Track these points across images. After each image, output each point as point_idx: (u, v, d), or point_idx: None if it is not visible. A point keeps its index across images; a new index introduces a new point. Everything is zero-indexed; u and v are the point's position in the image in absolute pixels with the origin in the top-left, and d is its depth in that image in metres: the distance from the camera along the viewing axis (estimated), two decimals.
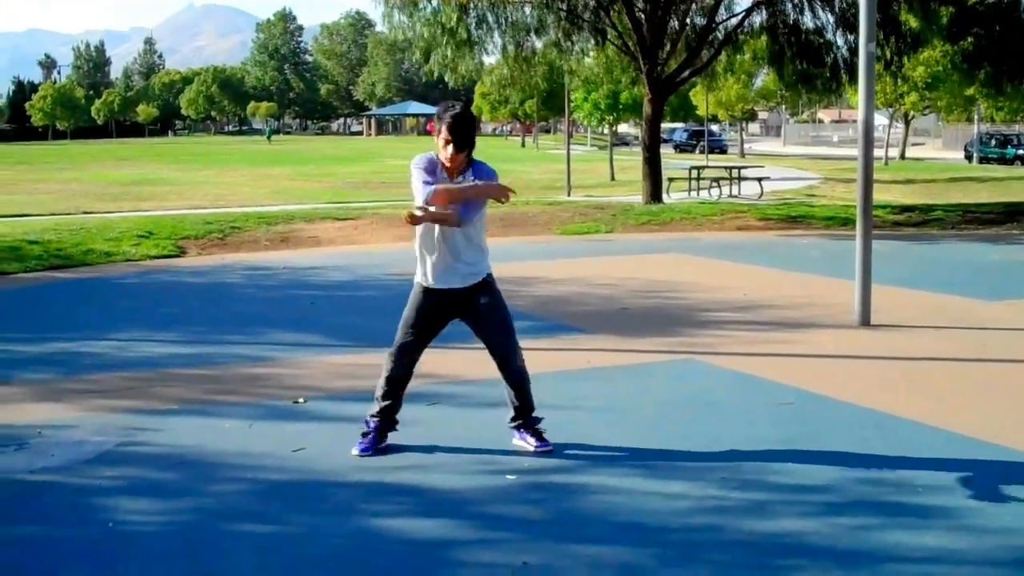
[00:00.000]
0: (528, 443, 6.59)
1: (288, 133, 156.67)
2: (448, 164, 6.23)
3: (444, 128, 6.16)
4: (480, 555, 5.05)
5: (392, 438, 6.77)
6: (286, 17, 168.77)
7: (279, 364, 9.18)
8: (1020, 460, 6.34)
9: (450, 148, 6.16)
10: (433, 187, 6.16)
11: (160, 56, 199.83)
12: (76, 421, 7.31)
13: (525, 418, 6.64)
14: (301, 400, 7.85)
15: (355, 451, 6.50)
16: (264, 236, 19.05)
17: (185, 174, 44.99)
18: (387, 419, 6.61)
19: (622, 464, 6.31)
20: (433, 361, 9.07)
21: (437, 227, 6.29)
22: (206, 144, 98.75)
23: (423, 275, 6.46)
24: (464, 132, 6.18)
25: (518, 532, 5.29)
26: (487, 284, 6.48)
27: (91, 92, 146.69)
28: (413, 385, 8.19)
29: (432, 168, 6.26)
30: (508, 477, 6.07)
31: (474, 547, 5.14)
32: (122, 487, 5.97)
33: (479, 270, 6.45)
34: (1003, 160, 61.47)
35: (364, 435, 6.57)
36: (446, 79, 25.55)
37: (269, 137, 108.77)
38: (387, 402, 6.57)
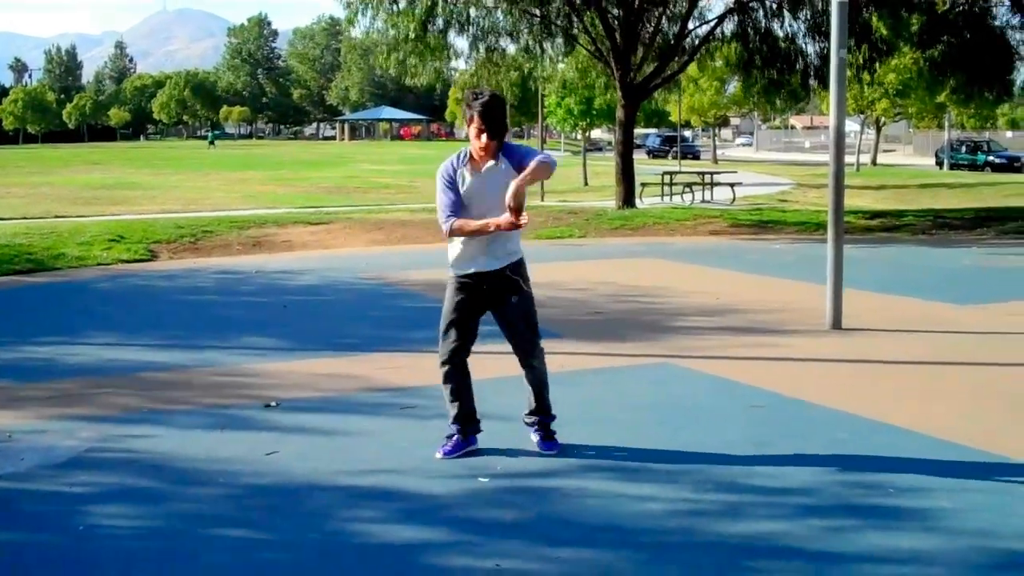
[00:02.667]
0: (538, 444, 6.63)
1: (261, 138, 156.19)
2: (482, 153, 6.20)
3: (476, 116, 6.14)
4: (454, 559, 5.05)
5: (366, 442, 6.76)
6: (261, 22, 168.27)
7: (251, 368, 9.14)
8: (992, 462, 6.38)
9: (484, 137, 6.16)
10: (450, 222, 6.22)
11: (132, 60, 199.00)
12: (46, 426, 7.26)
13: (541, 416, 6.66)
14: (273, 404, 7.82)
15: (439, 454, 6.49)
16: (236, 240, 18.98)
17: (157, 178, 44.77)
18: (466, 420, 6.59)
19: (596, 467, 6.31)
20: (407, 364, 9.10)
21: (473, 215, 6.25)
22: (151, 149, 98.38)
23: (459, 266, 6.41)
24: (496, 120, 6.17)
25: (492, 535, 5.29)
26: (520, 275, 6.45)
27: (62, 96, 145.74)
28: (386, 388, 8.19)
29: (454, 181, 6.26)
30: (481, 480, 6.06)
31: (448, 550, 5.13)
32: (94, 492, 5.93)
33: (512, 252, 6.43)
34: (973, 166, 61.88)
35: (449, 437, 6.57)
36: (403, 81, 25.53)
37: (212, 142, 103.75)
38: (457, 408, 6.56)
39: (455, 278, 6.47)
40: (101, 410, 7.72)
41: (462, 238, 6.33)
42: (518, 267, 6.47)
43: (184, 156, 75.48)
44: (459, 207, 6.26)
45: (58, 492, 5.93)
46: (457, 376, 6.52)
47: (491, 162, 6.24)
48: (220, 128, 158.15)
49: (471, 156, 6.29)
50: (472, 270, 6.39)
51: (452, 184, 6.28)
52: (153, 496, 5.85)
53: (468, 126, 6.24)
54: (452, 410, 6.57)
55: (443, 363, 6.51)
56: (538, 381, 6.61)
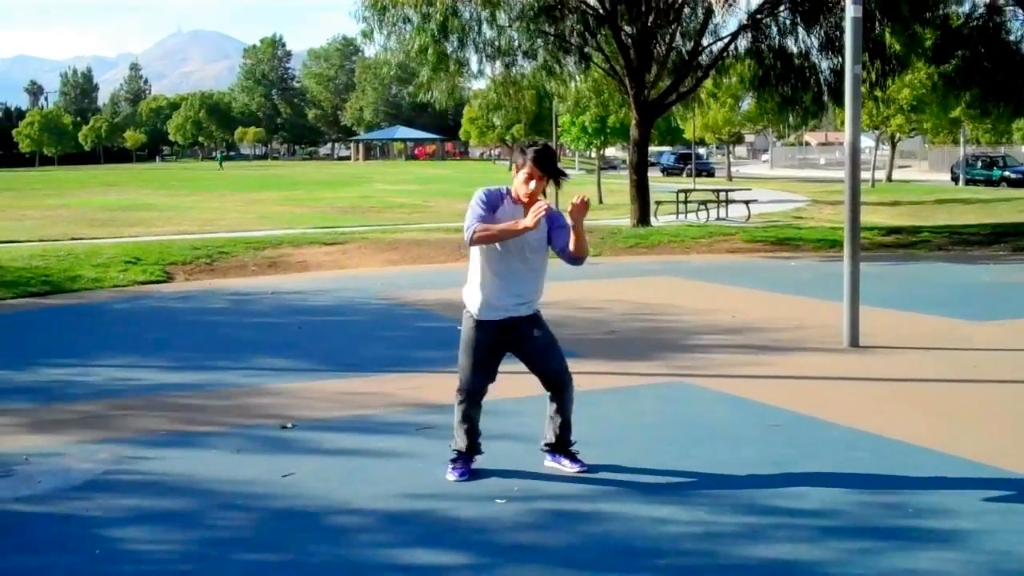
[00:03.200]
0: (564, 465, 6.62)
1: (276, 158, 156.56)
2: (527, 200, 6.18)
3: (529, 163, 6.15)
4: None
5: (382, 464, 6.76)
6: (275, 43, 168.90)
7: (267, 390, 9.13)
8: (1013, 481, 6.33)
9: (533, 184, 6.16)
10: (475, 227, 6.16)
11: (147, 82, 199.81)
12: (63, 448, 7.26)
13: (566, 440, 6.66)
14: (289, 425, 7.81)
15: (453, 476, 6.50)
16: (252, 261, 19.02)
17: (172, 199, 44.95)
18: (473, 446, 6.62)
19: (613, 488, 6.28)
20: (423, 384, 9.09)
21: (502, 258, 6.26)
22: (167, 170, 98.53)
23: (478, 307, 6.39)
24: (550, 166, 6.19)
25: (510, 558, 5.26)
26: (537, 317, 6.51)
27: (78, 118, 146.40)
28: (402, 409, 8.18)
29: (494, 203, 6.25)
30: (498, 502, 6.04)
31: (465, 573, 5.10)
32: (110, 515, 5.92)
33: (533, 305, 6.46)
34: (989, 182, 61.72)
35: (453, 462, 6.58)
36: (427, 101, 25.59)
37: (221, 163, 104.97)
38: (469, 440, 6.58)
39: (472, 317, 6.45)
40: (118, 432, 7.71)
41: (481, 283, 6.33)
42: (535, 316, 6.50)
43: (199, 177, 75.81)
44: (486, 221, 6.20)
45: (75, 515, 5.92)
46: (474, 411, 6.54)
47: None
48: (235, 149, 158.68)
49: (518, 198, 6.26)
50: (490, 317, 6.38)
51: (490, 205, 6.24)
52: (170, 519, 5.83)
53: (517, 171, 6.24)
54: (462, 441, 6.58)
55: (462, 400, 6.53)
56: (569, 407, 6.61)
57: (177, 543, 5.50)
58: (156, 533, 5.63)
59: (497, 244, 6.23)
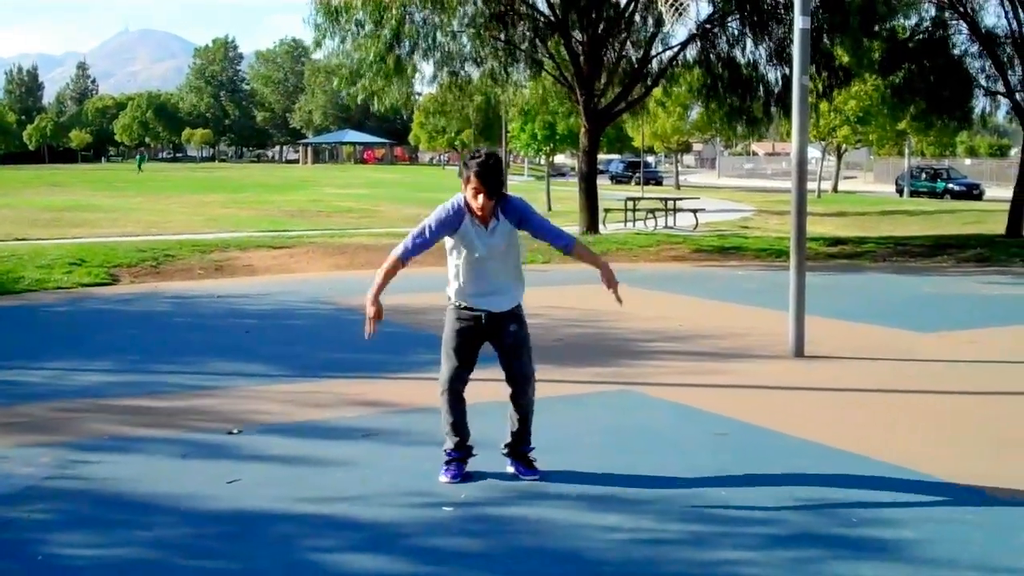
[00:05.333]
0: (519, 472, 6.65)
1: (223, 160, 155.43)
2: (480, 213, 6.26)
3: (473, 177, 6.19)
4: None
5: (328, 469, 6.73)
6: (226, 44, 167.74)
7: (213, 394, 9.07)
8: (954, 490, 6.41)
9: (481, 197, 6.20)
10: (401, 255, 6.39)
11: (94, 81, 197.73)
12: (4, 452, 7.17)
13: (520, 447, 6.68)
14: (235, 431, 7.76)
15: (446, 478, 6.52)
16: (198, 264, 18.89)
17: (118, 201, 44.50)
18: (464, 449, 6.64)
19: (560, 495, 6.29)
20: (369, 390, 9.07)
21: (467, 252, 6.35)
22: (113, 171, 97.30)
23: (459, 296, 6.48)
24: (494, 179, 6.21)
25: (455, 565, 5.26)
26: (517, 313, 6.56)
27: (23, 117, 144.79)
28: (349, 415, 8.16)
29: (453, 223, 6.31)
30: (445, 509, 6.03)
31: None
32: (52, 521, 5.86)
33: (513, 301, 6.52)
34: (933, 194, 62.47)
35: (447, 463, 6.60)
36: (370, 107, 25.52)
37: (140, 166, 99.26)
38: (457, 437, 6.60)
39: (455, 307, 6.51)
40: (61, 436, 7.63)
41: (461, 279, 6.42)
42: (516, 309, 6.57)
43: (146, 179, 75.10)
44: (417, 252, 6.39)
45: (16, 520, 5.85)
46: (459, 406, 6.57)
47: (494, 219, 6.33)
48: (182, 150, 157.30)
49: (471, 211, 6.31)
50: (470, 304, 6.45)
51: (446, 225, 6.34)
52: (113, 524, 5.78)
53: (465, 185, 6.28)
54: (450, 440, 6.60)
55: (444, 391, 6.54)
56: (527, 410, 6.64)
57: (120, 549, 5.45)
58: (99, 539, 5.58)
59: (459, 251, 6.36)
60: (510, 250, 6.46)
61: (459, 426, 6.59)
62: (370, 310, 6.37)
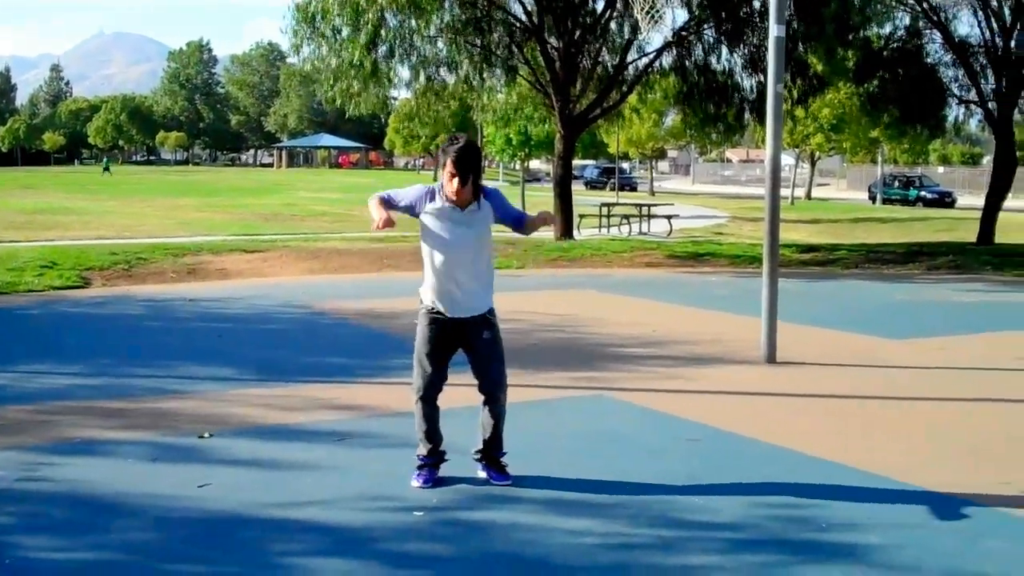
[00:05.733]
0: (491, 477, 6.65)
1: (197, 163, 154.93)
2: (454, 198, 6.30)
3: (449, 162, 6.25)
4: None
5: (299, 473, 6.73)
6: (201, 47, 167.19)
7: (184, 398, 9.04)
8: (920, 496, 6.44)
9: (455, 182, 6.24)
10: (378, 196, 6.43)
11: (68, 83, 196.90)
12: None
13: (493, 452, 6.67)
14: (206, 435, 7.73)
15: (417, 483, 6.53)
16: (171, 268, 18.81)
17: (91, 203, 44.31)
18: (436, 454, 6.65)
19: (530, 500, 6.30)
20: (342, 395, 9.05)
21: (444, 257, 6.37)
22: (86, 173, 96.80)
23: (431, 301, 6.48)
24: (468, 165, 6.25)
25: (425, 570, 5.26)
26: (489, 319, 6.56)
27: None
28: (321, 419, 8.15)
29: (426, 195, 6.40)
30: (416, 514, 6.03)
31: None
32: (21, 524, 5.83)
33: (484, 303, 6.52)
34: (905, 201, 62.92)
35: (419, 468, 6.60)
36: (347, 112, 25.49)
37: (106, 169, 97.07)
38: (431, 444, 6.61)
39: (427, 312, 6.50)
40: (31, 439, 7.58)
41: (433, 270, 6.42)
42: (489, 314, 6.57)
43: (119, 182, 74.81)
44: (394, 205, 6.45)
45: None
46: (432, 413, 6.57)
47: (473, 204, 6.37)
48: (155, 153, 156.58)
49: (449, 197, 6.36)
50: (441, 310, 6.45)
51: (417, 194, 6.44)
52: (83, 528, 5.75)
53: (443, 170, 6.35)
54: (423, 446, 6.61)
55: (419, 398, 6.55)
56: (499, 416, 6.63)
57: (89, 553, 5.42)
58: (68, 542, 5.55)
59: (433, 238, 6.38)
60: (481, 244, 6.45)
61: (432, 432, 6.59)
62: (383, 213, 6.31)
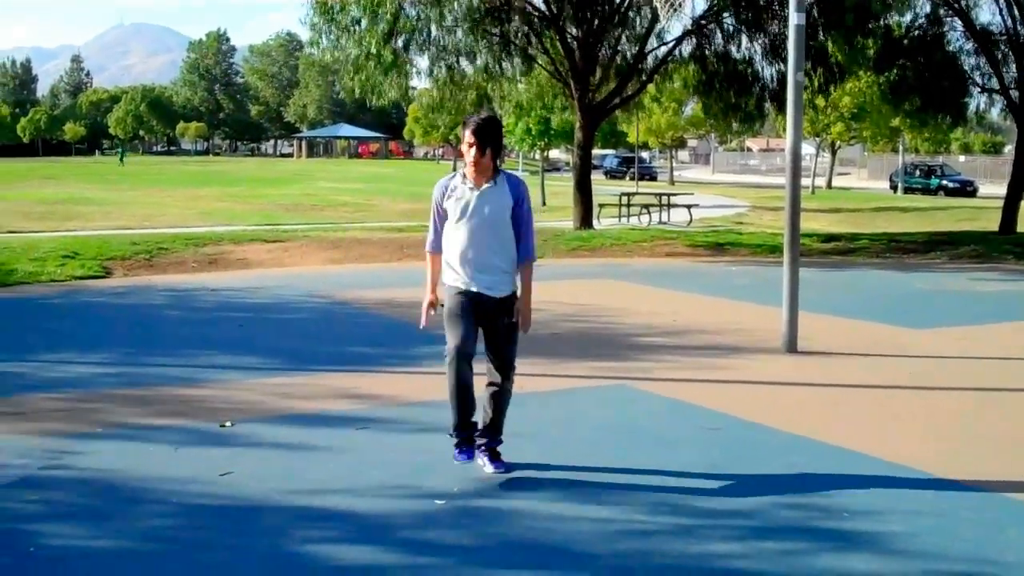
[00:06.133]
0: (483, 463, 6.63)
1: (218, 154, 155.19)
2: (473, 169, 6.38)
3: (468, 132, 6.36)
4: None
5: (321, 462, 6.75)
6: (220, 38, 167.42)
7: (206, 387, 9.07)
8: (944, 485, 6.43)
9: (473, 151, 6.34)
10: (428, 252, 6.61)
11: (88, 74, 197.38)
12: None
13: (491, 438, 6.67)
14: (228, 423, 7.76)
15: (460, 460, 6.57)
16: (192, 258, 18.87)
17: (112, 194, 44.44)
18: (469, 426, 6.61)
19: (552, 489, 6.31)
20: (363, 384, 9.07)
21: (459, 234, 6.45)
22: (107, 164, 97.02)
23: (451, 279, 6.53)
24: (487, 135, 6.35)
25: (447, 557, 5.27)
26: (510, 305, 6.56)
27: (17, 110, 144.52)
28: (343, 407, 8.17)
29: (444, 185, 6.51)
30: (437, 502, 6.04)
31: (402, 573, 5.10)
32: (45, 512, 5.86)
33: (505, 286, 6.54)
34: (927, 190, 62.61)
35: (457, 445, 6.61)
36: (368, 103, 25.48)
37: (122, 159, 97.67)
38: (462, 415, 6.56)
39: (450, 287, 6.55)
40: (54, 428, 7.63)
41: (451, 248, 6.50)
42: (510, 300, 6.57)
43: (139, 172, 75.02)
44: (439, 238, 6.58)
45: (9, 511, 5.85)
46: (465, 373, 6.42)
47: (490, 183, 6.43)
48: (176, 144, 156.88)
49: (466, 175, 6.46)
50: (462, 287, 6.48)
51: (441, 192, 6.54)
52: (105, 516, 5.78)
53: (463, 143, 6.43)
54: (454, 415, 6.55)
55: (451, 359, 6.39)
56: (504, 403, 6.63)
57: (112, 540, 5.45)
58: (91, 530, 5.58)
59: (450, 217, 6.47)
60: (497, 222, 6.43)
61: (465, 402, 6.50)
62: (426, 300, 6.56)
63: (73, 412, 8.12)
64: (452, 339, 6.43)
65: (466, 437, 6.60)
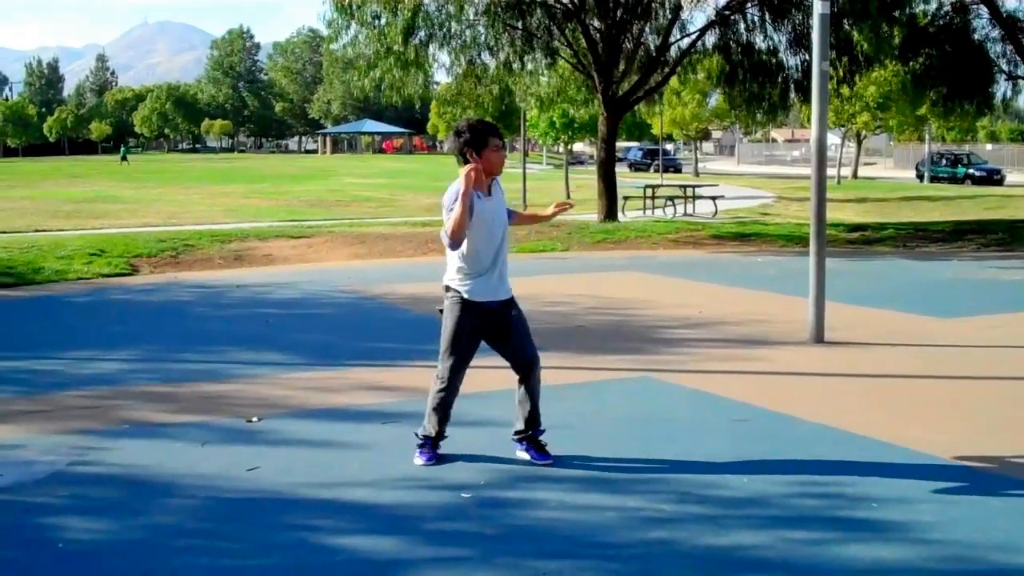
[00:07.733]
0: (531, 457, 6.66)
1: (243, 151, 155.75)
2: (492, 174, 6.46)
3: (494, 139, 6.45)
4: (434, 573, 5.02)
5: (348, 456, 6.76)
6: (243, 35, 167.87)
7: (233, 382, 9.10)
8: (974, 475, 6.39)
9: (503, 152, 6.51)
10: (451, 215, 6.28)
11: (113, 73, 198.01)
12: (26, 440, 7.21)
13: (532, 430, 6.69)
14: (254, 419, 7.78)
15: (421, 460, 6.60)
16: (217, 254, 18.93)
17: (138, 192, 44.66)
18: (441, 434, 6.70)
19: (580, 481, 6.30)
20: (388, 378, 9.08)
21: (481, 242, 6.41)
22: (132, 162, 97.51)
23: (467, 291, 6.47)
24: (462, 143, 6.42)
25: (473, 549, 5.27)
26: (513, 299, 6.66)
27: (43, 109, 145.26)
28: (368, 402, 8.18)
29: (451, 200, 6.34)
30: (463, 495, 6.04)
31: (428, 565, 5.10)
32: (73, 507, 5.89)
33: (509, 287, 6.63)
34: (953, 179, 62.24)
35: (421, 447, 6.66)
36: (388, 100, 25.49)
37: (124, 157, 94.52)
38: (440, 427, 6.66)
39: (464, 302, 6.48)
40: (82, 424, 7.66)
41: (467, 263, 6.42)
42: (512, 298, 6.67)
43: (166, 169, 75.35)
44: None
45: (38, 507, 5.88)
46: (451, 399, 6.61)
47: (494, 185, 6.54)
48: (201, 141, 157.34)
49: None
50: (477, 299, 6.46)
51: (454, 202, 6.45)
52: (133, 511, 5.80)
53: (477, 153, 6.36)
54: (432, 427, 6.65)
55: (442, 387, 6.57)
56: (537, 391, 6.67)
57: (140, 535, 5.47)
58: (119, 526, 5.61)
59: (486, 226, 6.41)
60: (506, 226, 6.62)
61: (445, 420, 6.67)
62: (463, 178, 6.24)
63: (100, 409, 8.15)
64: (455, 370, 6.55)
65: (432, 442, 6.68)
